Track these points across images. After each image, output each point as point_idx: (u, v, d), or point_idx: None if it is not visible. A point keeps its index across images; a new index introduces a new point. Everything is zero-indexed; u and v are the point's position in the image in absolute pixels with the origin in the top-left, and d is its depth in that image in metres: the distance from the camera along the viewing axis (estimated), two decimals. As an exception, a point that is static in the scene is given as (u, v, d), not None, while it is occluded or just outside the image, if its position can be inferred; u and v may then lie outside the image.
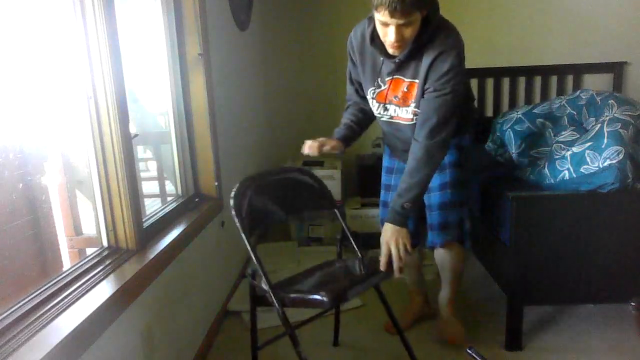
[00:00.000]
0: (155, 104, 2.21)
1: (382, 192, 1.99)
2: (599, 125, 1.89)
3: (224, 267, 2.38)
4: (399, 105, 1.67)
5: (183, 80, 2.04)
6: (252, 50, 3.25)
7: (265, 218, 1.73)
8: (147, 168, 2.89)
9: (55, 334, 0.98)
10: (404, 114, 1.68)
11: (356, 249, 1.80)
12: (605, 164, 1.76)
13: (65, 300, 1.12)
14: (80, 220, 1.53)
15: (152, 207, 1.93)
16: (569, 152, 1.91)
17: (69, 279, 1.21)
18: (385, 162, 1.99)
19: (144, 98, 2.16)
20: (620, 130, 1.82)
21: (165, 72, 1.99)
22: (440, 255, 1.89)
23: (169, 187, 2.31)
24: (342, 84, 3.99)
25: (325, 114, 3.75)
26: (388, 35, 1.46)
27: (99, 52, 1.31)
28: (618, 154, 1.75)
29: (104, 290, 1.20)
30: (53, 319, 1.04)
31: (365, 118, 1.82)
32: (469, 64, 3.78)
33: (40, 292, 1.12)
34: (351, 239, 1.82)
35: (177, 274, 1.68)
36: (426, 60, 1.54)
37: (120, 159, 1.37)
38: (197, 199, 2.09)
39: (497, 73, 3.45)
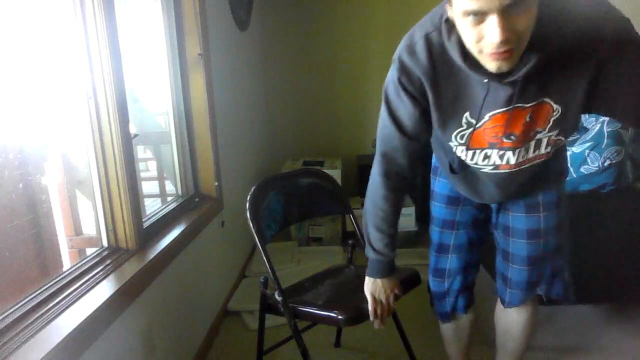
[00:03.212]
0: (155, 104, 2.21)
1: (438, 231, 1.44)
2: (598, 125, 1.90)
3: (224, 267, 2.38)
4: (513, 148, 1.09)
5: (183, 80, 2.04)
6: (252, 50, 3.25)
7: (280, 222, 1.68)
8: (147, 168, 2.89)
9: (55, 334, 0.98)
10: (524, 156, 1.11)
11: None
12: (606, 163, 1.76)
13: (65, 300, 1.12)
14: (80, 220, 1.53)
15: (152, 207, 1.93)
16: (569, 152, 1.91)
17: (69, 279, 1.21)
18: (443, 188, 1.42)
19: (144, 98, 2.16)
20: (620, 130, 1.82)
21: (165, 72, 1.99)
22: (510, 316, 1.42)
23: (169, 187, 2.32)
24: (342, 84, 3.98)
25: (325, 114, 3.76)
26: (486, 36, 0.83)
27: (99, 52, 1.31)
28: (618, 154, 1.76)
29: (104, 290, 1.20)
30: (53, 319, 1.04)
31: (404, 196, 1.30)
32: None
33: (40, 292, 1.12)
34: (363, 243, 1.77)
35: (177, 273, 1.68)
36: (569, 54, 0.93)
37: (120, 159, 1.37)
38: (197, 199, 2.09)
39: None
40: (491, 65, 0.88)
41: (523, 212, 1.30)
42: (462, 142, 1.11)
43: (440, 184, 1.42)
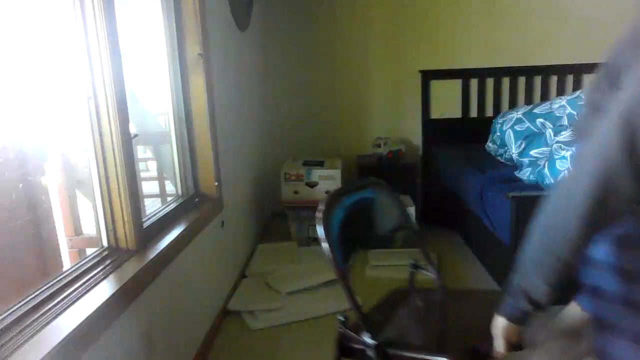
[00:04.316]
0: (155, 104, 2.22)
1: None
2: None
3: (224, 267, 2.38)
4: None
5: (183, 80, 2.04)
6: (252, 50, 3.25)
7: (353, 240, 1.39)
8: (147, 168, 2.90)
9: (55, 334, 0.98)
10: None
11: (438, 279, 1.46)
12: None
13: (65, 300, 1.12)
14: (80, 220, 1.54)
15: (152, 207, 1.93)
16: (569, 152, 1.91)
17: (69, 279, 1.21)
18: None
19: (144, 98, 2.16)
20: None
21: (165, 72, 1.99)
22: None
23: (169, 187, 2.32)
24: (342, 84, 3.97)
25: (325, 114, 3.76)
26: None
27: (99, 52, 1.31)
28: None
29: (104, 290, 1.20)
30: (53, 319, 1.04)
31: None
32: (470, 63, 3.75)
33: (40, 292, 1.12)
34: (431, 266, 1.47)
35: (177, 273, 1.68)
36: None
37: (120, 159, 1.37)
38: (197, 199, 2.09)
39: (497, 73, 3.45)
40: None
41: None
42: None
43: None
